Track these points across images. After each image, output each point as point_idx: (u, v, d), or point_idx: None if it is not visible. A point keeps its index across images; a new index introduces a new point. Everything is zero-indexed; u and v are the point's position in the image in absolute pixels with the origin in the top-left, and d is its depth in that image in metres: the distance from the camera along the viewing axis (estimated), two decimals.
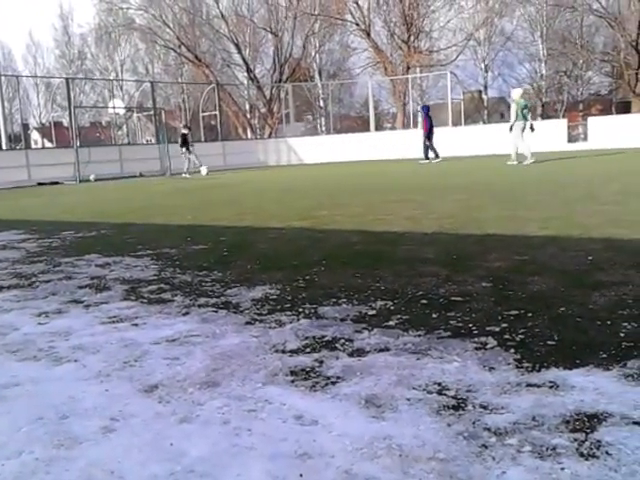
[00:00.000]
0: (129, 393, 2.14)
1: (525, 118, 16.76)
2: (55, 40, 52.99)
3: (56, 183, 21.38)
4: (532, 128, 16.68)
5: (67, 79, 26.41)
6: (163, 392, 2.13)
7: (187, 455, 1.69)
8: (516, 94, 17.28)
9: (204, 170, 21.89)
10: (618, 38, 34.70)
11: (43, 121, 50.19)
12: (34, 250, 5.68)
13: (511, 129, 16.85)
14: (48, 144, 38.05)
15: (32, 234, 6.91)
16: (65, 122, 36.54)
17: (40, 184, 21.07)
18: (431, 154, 20.54)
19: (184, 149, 22.01)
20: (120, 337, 2.80)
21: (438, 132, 22.00)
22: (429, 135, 20.67)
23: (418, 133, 23.14)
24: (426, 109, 21.56)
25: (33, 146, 43.00)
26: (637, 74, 33.78)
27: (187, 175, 21.21)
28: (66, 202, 12.71)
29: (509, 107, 20.48)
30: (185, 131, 22.64)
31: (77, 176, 22.34)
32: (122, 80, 46.40)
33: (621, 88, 38.91)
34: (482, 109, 45.42)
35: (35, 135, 50.45)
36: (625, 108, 36.25)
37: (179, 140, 22.57)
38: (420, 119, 38.56)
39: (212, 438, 1.77)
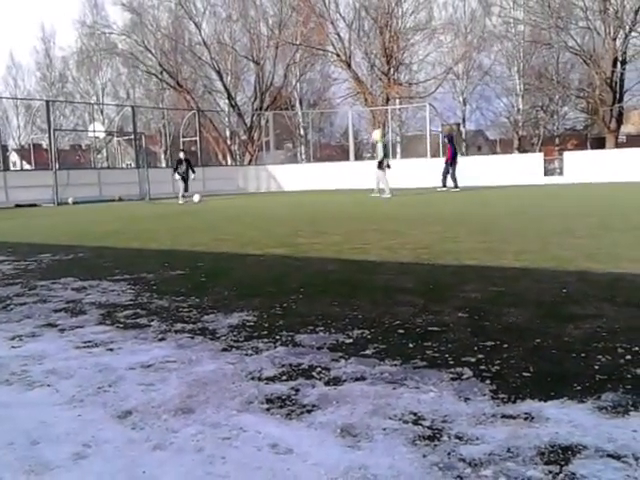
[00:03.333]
0: (102, 419, 2.11)
1: (386, 156, 18.56)
2: (36, 62, 53.08)
3: (34, 205, 21.22)
4: (388, 165, 18.56)
5: (47, 101, 26.36)
6: (137, 418, 2.11)
7: None
8: (376, 135, 19.03)
9: (196, 197, 19.94)
10: (593, 75, 35.44)
11: (22, 143, 49.95)
12: (9, 272, 5.62)
13: (379, 165, 18.42)
14: (27, 166, 37.82)
15: (8, 256, 6.83)
16: (44, 144, 36.35)
17: (18, 206, 20.90)
18: (450, 183, 20.56)
19: (176, 174, 20.22)
20: (95, 362, 2.76)
21: (416, 164, 22.00)
22: (452, 163, 20.73)
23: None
24: (450, 137, 21.75)
25: (12, 168, 42.62)
26: (611, 111, 34.47)
27: (185, 200, 19.68)
28: (44, 224, 12.60)
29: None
30: (181, 155, 20.86)
31: (55, 199, 22.19)
32: (103, 104, 46.42)
33: (596, 124, 39.64)
34: (460, 141, 45.99)
35: (14, 157, 50.10)
36: (600, 143, 36.96)
37: (180, 165, 20.55)
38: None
39: (186, 466, 1.75)
